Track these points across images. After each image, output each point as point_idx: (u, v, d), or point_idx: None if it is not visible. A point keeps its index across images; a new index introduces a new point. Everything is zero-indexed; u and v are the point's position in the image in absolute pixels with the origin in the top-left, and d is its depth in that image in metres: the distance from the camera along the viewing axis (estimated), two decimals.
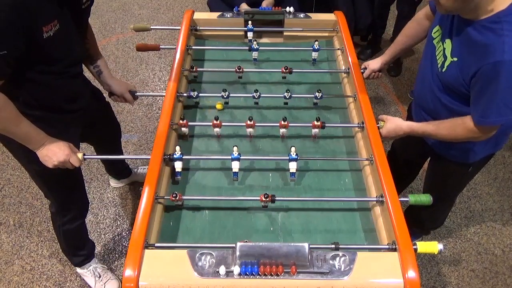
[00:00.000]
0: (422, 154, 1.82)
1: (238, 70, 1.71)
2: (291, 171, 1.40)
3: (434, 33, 1.44)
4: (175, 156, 1.37)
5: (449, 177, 1.71)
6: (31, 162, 1.46)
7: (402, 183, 2.08)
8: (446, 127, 1.38)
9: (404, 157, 1.91)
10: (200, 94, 1.64)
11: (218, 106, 1.65)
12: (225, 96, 1.62)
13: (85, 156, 1.41)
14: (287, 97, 1.62)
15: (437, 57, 1.41)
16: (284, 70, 1.71)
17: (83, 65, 1.56)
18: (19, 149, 1.42)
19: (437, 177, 1.77)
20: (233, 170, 1.40)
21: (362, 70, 1.75)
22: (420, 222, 2.01)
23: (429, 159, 1.81)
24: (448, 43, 1.35)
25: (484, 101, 1.24)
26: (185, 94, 1.64)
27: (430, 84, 1.46)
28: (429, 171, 1.81)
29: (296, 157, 1.37)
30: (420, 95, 1.56)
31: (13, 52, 1.14)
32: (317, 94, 1.63)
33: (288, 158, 1.39)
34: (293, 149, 1.38)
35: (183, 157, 1.38)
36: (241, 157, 1.38)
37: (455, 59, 1.31)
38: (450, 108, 1.41)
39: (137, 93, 1.76)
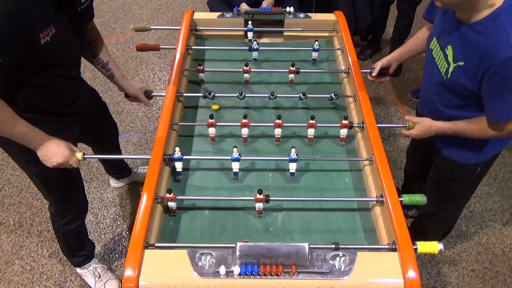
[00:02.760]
0: (428, 156, 1.77)
1: (245, 69, 1.72)
2: (291, 171, 1.40)
3: (432, 45, 1.45)
4: (174, 156, 1.37)
5: (455, 181, 1.67)
6: (29, 164, 1.46)
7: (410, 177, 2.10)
8: (474, 128, 1.37)
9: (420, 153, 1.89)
10: (216, 94, 1.64)
11: (214, 107, 1.65)
12: (240, 97, 1.62)
13: (85, 156, 1.40)
14: (303, 97, 1.63)
15: (439, 66, 1.41)
16: (291, 69, 1.72)
17: (80, 66, 1.56)
18: (17, 151, 1.41)
19: (443, 183, 1.72)
20: (234, 170, 1.40)
21: (370, 70, 1.74)
22: (423, 233, 1.94)
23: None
24: (449, 50, 1.34)
25: (500, 99, 1.23)
26: (200, 95, 1.65)
27: (432, 96, 1.46)
28: (434, 176, 1.75)
29: (297, 157, 1.37)
30: (424, 107, 1.57)
31: (9, 61, 1.14)
32: (333, 95, 1.63)
33: (288, 158, 1.38)
34: (293, 150, 1.37)
35: (183, 157, 1.38)
36: (241, 158, 1.38)
37: (461, 63, 1.30)
38: (449, 117, 1.42)
39: (153, 93, 1.75)
